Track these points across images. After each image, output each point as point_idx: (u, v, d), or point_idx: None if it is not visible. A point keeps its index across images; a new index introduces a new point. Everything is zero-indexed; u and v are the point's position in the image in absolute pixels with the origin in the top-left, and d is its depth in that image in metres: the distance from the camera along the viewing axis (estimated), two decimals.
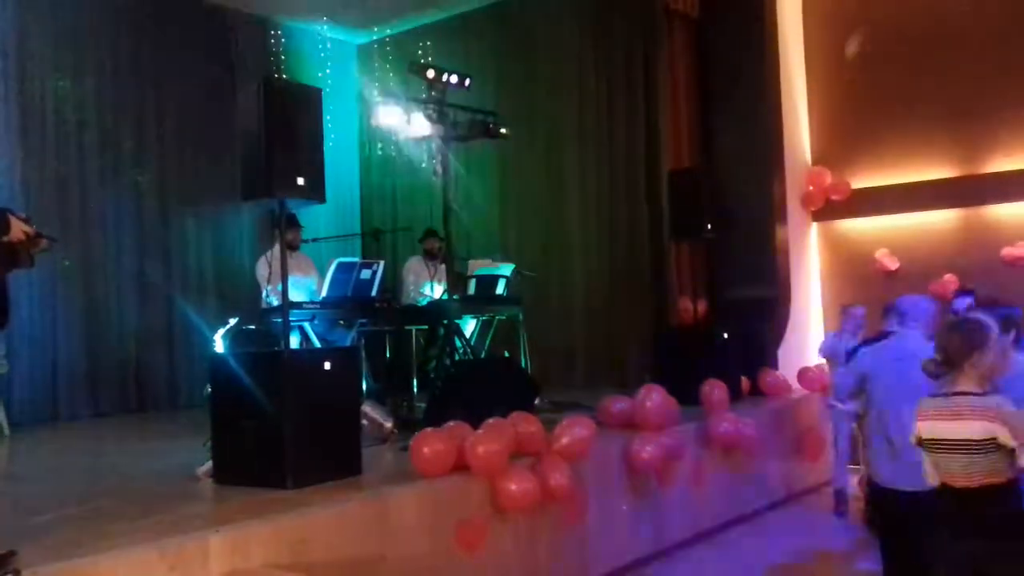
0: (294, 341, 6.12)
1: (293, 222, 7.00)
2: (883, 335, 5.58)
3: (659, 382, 6.22)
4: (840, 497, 6.87)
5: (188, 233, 9.32)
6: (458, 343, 6.85)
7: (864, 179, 8.57)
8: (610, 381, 8.64)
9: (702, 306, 8.07)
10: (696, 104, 8.84)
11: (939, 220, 8.19)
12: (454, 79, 6.83)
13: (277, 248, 5.08)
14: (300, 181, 4.62)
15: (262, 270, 6.97)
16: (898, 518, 4.24)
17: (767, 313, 8.39)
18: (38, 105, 8.30)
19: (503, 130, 7.27)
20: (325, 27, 10.52)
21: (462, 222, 9.38)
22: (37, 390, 8.06)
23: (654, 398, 5.92)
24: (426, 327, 7.37)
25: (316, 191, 4.74)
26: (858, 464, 7.00)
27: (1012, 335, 4.00)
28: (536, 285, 8.84)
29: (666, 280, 8.51)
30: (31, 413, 7.93)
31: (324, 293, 6.57)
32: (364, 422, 5.41)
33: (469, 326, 7.70)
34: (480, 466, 4.63)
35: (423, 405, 6.66)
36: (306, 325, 6.46)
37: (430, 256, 7.97)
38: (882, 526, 4.43)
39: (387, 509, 4.25)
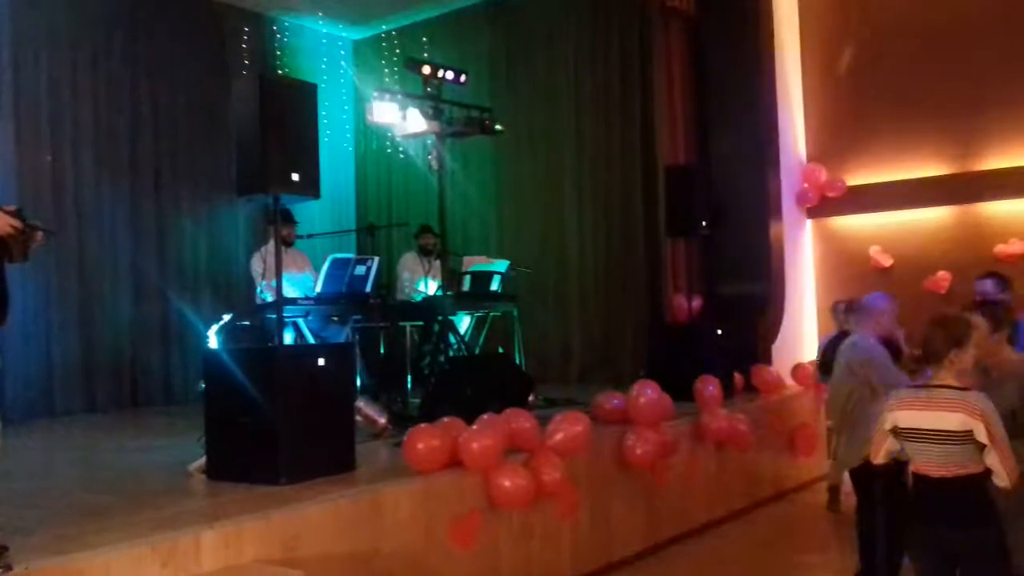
0: (288, 337, 6.12)
1: (288, 218, 6.99)
2: (843, 334, 5.67)
3: (653, 378, 6.23)
4: (834, 494, 6.89)
5: (183, 228, 9.30)
6: (452, 339, 6.86)
7: (859, 176, 8.58)
8: (604, 377, 8.66)
9: (696, 302, 8.07)
10: (692, 101, 8.84)
11: (933, 217, 8.21)
12: (450, 75, 6.83)
13: (272, 244, 5.08)
14: (295, 177, 4.61)
15: (256, 266, 6.97)
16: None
17: (761, 310, 8.41)
18: (32, 99, 8.28)
19: (498, 126, 7.28)
20: (321, 22, 10.50)
21: (457, 218, 9.41)
22: (31, 385, 8.05)
23: (648, 394, 5.93)
24: (421, 323, 7.37)
25: (311, 187, 4.73)
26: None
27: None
28: (531, 281, 8.85)
29: (661, 276, 8.53)
30: (25, 408, 7.92)
31: (319, 289, 6.57)
32: (358, 418, 5.41)
33: (464, 322, 7.71)
34: (474, 462, 4.63)
35: (417, 401, 6.67)
36: (300, 321, 6.45)
37: (425, 252, 7.97)
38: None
39: (381, 505, 4.26)
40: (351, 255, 7.30)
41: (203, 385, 4.90)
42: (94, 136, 8.69)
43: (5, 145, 8.02)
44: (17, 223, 3.36)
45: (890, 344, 5.11)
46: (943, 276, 7.93)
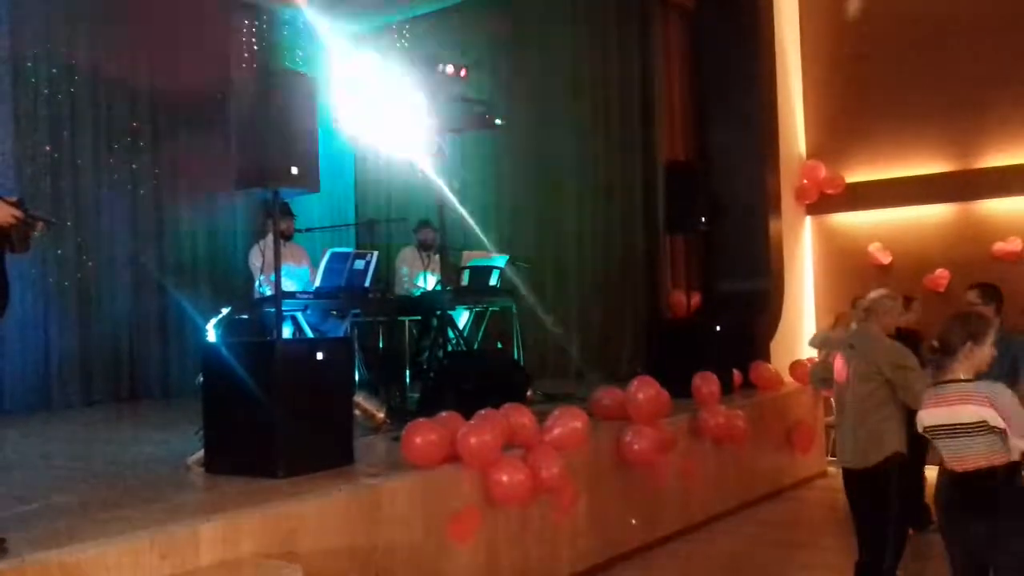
0: (287, 331, 6.10)
1: (287, 211, 6.97)
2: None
3: (651, 374, 6.23)
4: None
5: (182, 221, 9.29)
6: (451, 334, 6.85)
7: (858, 173, 8.58)
8: (603, 373, 8.65)
9: (695, 299, 8.08)
10: (691, 96, 8.85)
11: (932, 215, 8.22)
12: (451, 69, 6.81)
13: (270, 238, 5.07)
14: (294, 170, 4.60)
15: (255, 260, 6.96)
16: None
17: (760, 306, 8.42)
18: (31, 91, 8.25)
19: (498, 121, 7.26)
20: (321, 14, 10.46)
21: (456, 213, 9.39)
22: (29, 378, 8.04)
23: (646, 390, 5.93)
24: (419, 318, 7.36)
25: (310, 180, 4.72)
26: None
27: None
28: (530, 276, 8.84)
29: (659, 272, 8.53)
30: (23, 401, 7.91)
31: (317, 283, 6.55)
32: (356, 412, 5.41)
33: (462, 317, 7.69)
34: (472, 457, 4.63)
35: (416, 396, 6.67)
36: (299, 315, 6.44)
37: (424, 247, 7.95)
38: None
39: (379, 499, 4.26)
40: (350, 249, 7.28)
41: (201, 378, 4.89)
42: (93, 128, 8.67)
43: (4, 136, 7.99)
44: (19, 213, 3.38)
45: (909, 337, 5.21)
46: (942, 274, 7.93)
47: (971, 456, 3.31)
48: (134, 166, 8.91)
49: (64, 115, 8.47)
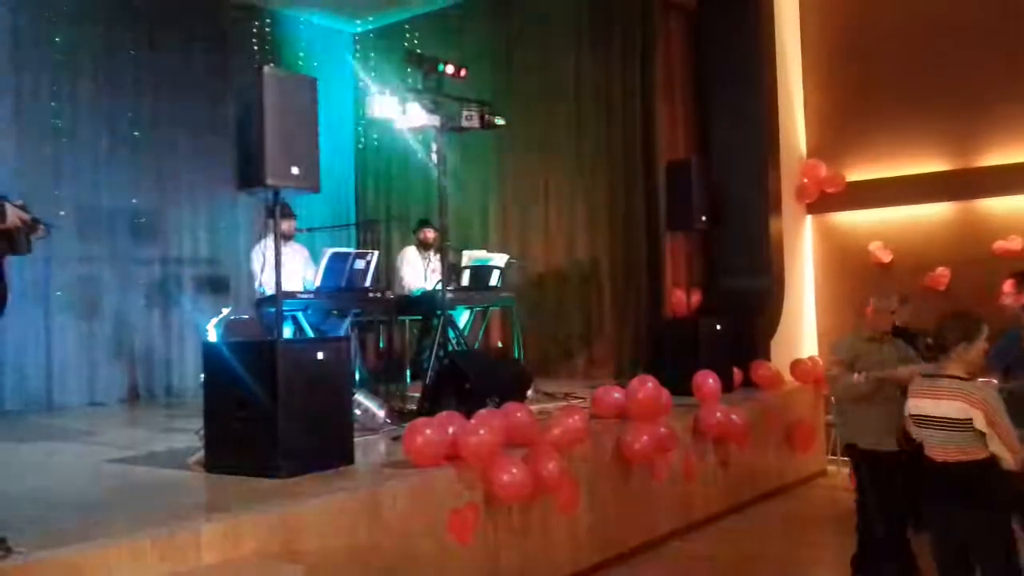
0: (287, 331, 6.12)
1: (287, 212, 6.98)
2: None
3: (652, 373, 6.24)
4: None
5: (183, 222, 9.30)
6: (452, 334, 6.86)
7: (858, 172, 8.58)
8: (603, 372, 8.66)
9: (696, 297, 8.08)
10: (692, 95, 8.84)
11: (933, 213, 8.21)
12: (450, 69, 6.82)
13: (271, 238, 5.07)
14: (295, 171, 4.62)
15: (256, 260, 6.97)
16: None
17: (760, 305, 8.41)
18: (33, 93, 8.26)
19: (499, 120, 7.26)
20: (321, 15, 10.48)
21: (457, 212, 9.40)
22: (30, 377, 8.05)
23: (647, 389, 5.94)
24: (420, 317, 7.37)
25: (311, 181, 4.73)
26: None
27: None
28: (530, 276, 8.85)
29: (660, 271, 8.53)
30: (24, 401, 7.93)
31: (318, 283, 6.56)
32: (357, 412, 5.42)
33: (463, 317, 7.71)
34: (472, 456, 4.64)
35: (416, 395, 6.68)
36: (300, 315, 6.45)
37: (424, 246, 7.96)
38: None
39: (379, 499, 4.26)
40: (351, 249, 7.30)
41: (202, 378, 4.90)
42: (94, 129, 8.67)
43: (6, 138, 8.01)
44: (25, 216, 3.51)
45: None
46: (943, 272, 7.93)
47: (952, 448, 3.53)
48: (135, 166, 8.91)
49: (65, 116, 8.48)
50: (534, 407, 5.43)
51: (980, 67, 7.87)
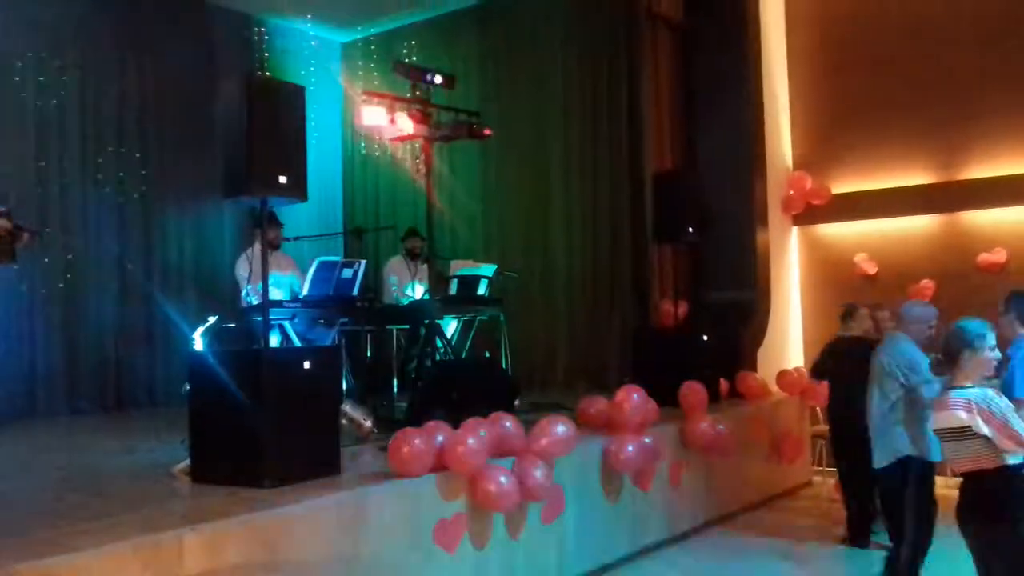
0: (274, 340, 6.10)
1: (274, 220, 6.97)
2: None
3: (638, 383, 6.24)
4: None
5: (169, 230, 9.27)
6: (439, 343, 6.85)
7: (844, 184, 8.63)
8: (590, 382, 8.66)
9: (682, 308, 8.10)
10: (679, 107, 8.88)
11: (918, 226, 8.26)
12: (438, 79, 6.83)
13: (258, 246, 5.07)
14: (282, 179, 4.60)
15: (242, 268, 6.94)
16: None
17: (747, 316, 8.44)
18: (18, 100, 8.22)
19: (486, 131, 7.28)
20: (309, 24, 10.48)
21: (444, 222, 9.40)
22: (14, 386, 7.99)
23: (633, 399, 5.94)
24: (407, 327, 7.36)
25: (298, 189, 4.72)
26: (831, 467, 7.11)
27: None
28: (518, 286, 8.85)
29: (647, 282, 8.55)
30: (7, 409, 7.85)
31: (305, 292, 6.56)
32: (343, 421, 5.40)
33: (450, 326, 7.70)
34: (459, 466, 4.63)
35: (403, 405, 6.66)
36: (286, 324, 6.44)
37: (412, 256, 7.96)
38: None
39: (365, 508, 4.25)
40: (338, 258, 7.29)
41: (187, 387, 4.87)
42: (80, 137, 8.65)
43: None
44: (8, 224, 3.42)
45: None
46: (927, 284, 7.97)
47: (963, 459, 3.52)
48: (121, 174, 8.88)
49: (51, 124, 8.45)
50: (521, 417, 5.42)
51: (965, 80, 7.94)
